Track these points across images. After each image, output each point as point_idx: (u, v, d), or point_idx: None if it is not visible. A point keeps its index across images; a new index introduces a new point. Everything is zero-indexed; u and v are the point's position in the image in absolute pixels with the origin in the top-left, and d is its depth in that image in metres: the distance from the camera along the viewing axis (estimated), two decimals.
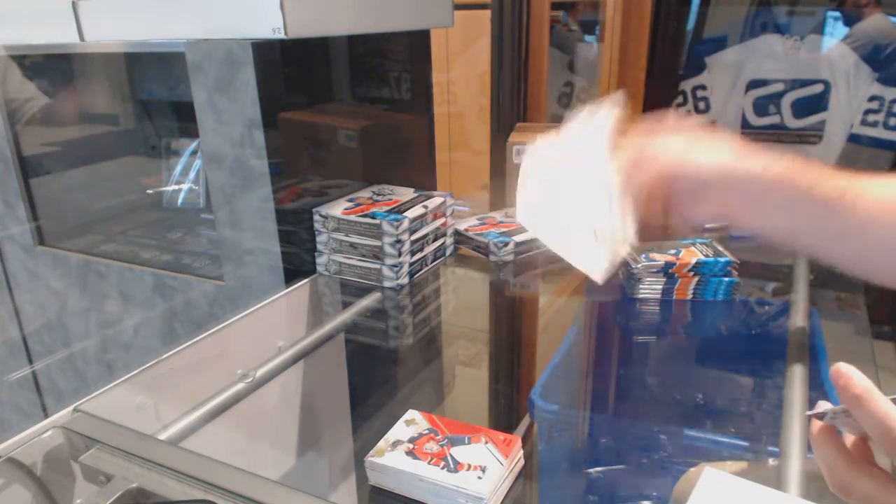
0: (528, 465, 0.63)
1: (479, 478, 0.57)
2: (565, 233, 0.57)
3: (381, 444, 0.62)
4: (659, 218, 0.55)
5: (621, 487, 0.67)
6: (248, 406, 0.78)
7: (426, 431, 0.63)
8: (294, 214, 1.02)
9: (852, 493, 0.40)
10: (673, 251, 0.97)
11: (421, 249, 1.04)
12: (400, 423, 0.65)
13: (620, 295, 1.00)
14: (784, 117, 1.85)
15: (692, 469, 0.63)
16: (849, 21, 1.78)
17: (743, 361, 0.84)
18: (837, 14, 1.79)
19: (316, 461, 0.92)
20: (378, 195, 1.08)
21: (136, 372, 0.76)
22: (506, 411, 0.79)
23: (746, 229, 0.53)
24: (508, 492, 0.59)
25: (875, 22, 1.74)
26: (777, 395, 0.73)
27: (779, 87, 1.84)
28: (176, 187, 1.44)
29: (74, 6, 1.01)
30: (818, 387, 0.73)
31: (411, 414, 0.66)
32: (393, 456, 0.60)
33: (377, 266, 1.00)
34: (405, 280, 1.01)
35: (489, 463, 0.58)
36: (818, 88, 1.80)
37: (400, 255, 0.98)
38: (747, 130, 1.90)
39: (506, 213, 1.23)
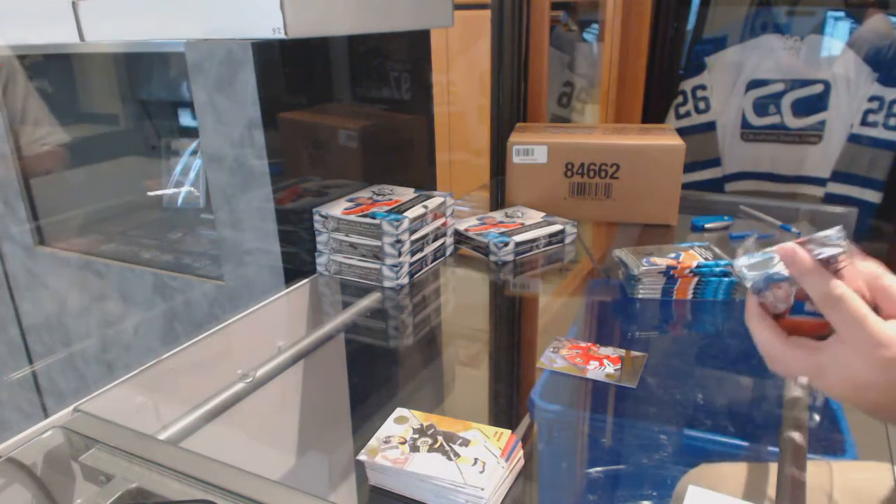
0: (528, 465, 0.63)
1: (479, 475, 0.57)
2: None
3: (373, 442, 0.62)
4: None
5: (621, 487, 0.67)
6: (248, 406, 0.78)
7: (420, 429, 0.63)
8: (294, 214, 1.02)
9: (788, 366, 0.47)
10: (673, 255, 0.97)
11: (421, 249, 1.04)
12: (389, 422, 0.65)
13: (620, 295, 1.00)
14: (784, 117, 1.85)
15: (692, 469, 0.63)
16: (848, 22, 1.78)
17: (743, 361, 0.84)
18: (838, 14, 1.79)
19: (316, 461, 0.92)
20: (378, 195, 1.08)
21: (136, 372, 0.76)
22: (506, 411, 0.79)
23: None
24: (509, 491, 0.59)
25: (875, 23, 1.74)
26: (777, 395, 0.73)
27: (779, 87, 1.83)
28: (176, 189, 1.44)
29: (74, 6, 1.01)
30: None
31: (401, 412, 0.66)
32: (389, 455, 0.60)
33: (377, 266, 1.00)
34: (405, 280, 1.01)
35: (488, 461, 0.58)
36: (818, 88, 1.80)
37: (400, 255, 0.98)
38: (747, 130, 1.90)
39: (505, 213, 1.23)
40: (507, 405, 0.81)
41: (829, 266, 0.45)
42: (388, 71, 1.24)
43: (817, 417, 0.70)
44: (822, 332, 0.47)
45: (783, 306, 0.48)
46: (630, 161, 1.24)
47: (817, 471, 0.60)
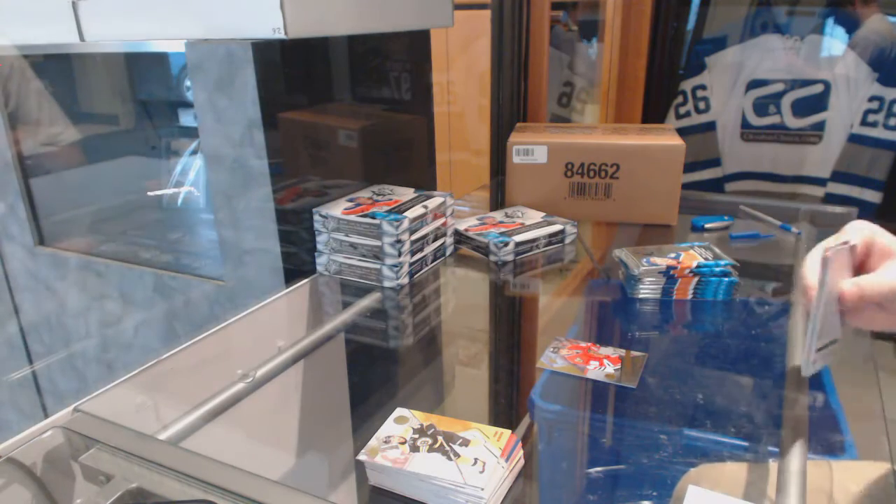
0: (528, 465, 0.63)
1: (479, 475, 0.57)
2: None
3: (373, 442, 0.62)
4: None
5: (621, 487, 0.67)
6: (248, 406, 0.78)
7: (420, 429, 0.63)
8: (294, 214, 1.02)
9: None
10: (673, 255, 0.97)
11: (421, 249, 1.04)
12: (389, 422, 0.65)
13: (620, 295, 1.00)
14: (784, 117, 1.85)
15: (692, 469, 0.63)
16: (848, 22, 1.78)
17: (743, 361, 0.84)
18: (838, 14, 1.79)
19: (316, 461, 0.92)
20: (378, 195, 1.08)
21: (136, 372, 0.76)
22: (506, 411, 0.79)
23: None
24: (509, 491, 0.59)
25: (875, 23, 1.74)
26: (777, 395, 0.73)
27: (779, 87, 1.84)
28: (176, 189, 1.44)
29: (74, 6, 1.01)
30: (818, 387, 0.73)
31: (401, 412, 0.66)
32: (389, 455, 0.60)
33: (377, 266, 1.00)
34: (405, 280, 1.01)
35: (489, 461, 0.58)
36: (818, 88, 1.80)
37: (400, 255, 0.98)
38: (747, 130, 1.90)
39: (505, 213, 1.23)
40: (507, 405, 0.81)
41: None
42: (388, 71, 1.24)
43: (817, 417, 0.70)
44: None
45: None
46: (630, 161, 1.24)
47: (817, 471, 0.60)
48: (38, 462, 0.63)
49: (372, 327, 0.96)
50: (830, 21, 1.80)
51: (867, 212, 1.76)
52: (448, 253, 1.13)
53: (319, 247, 1.04)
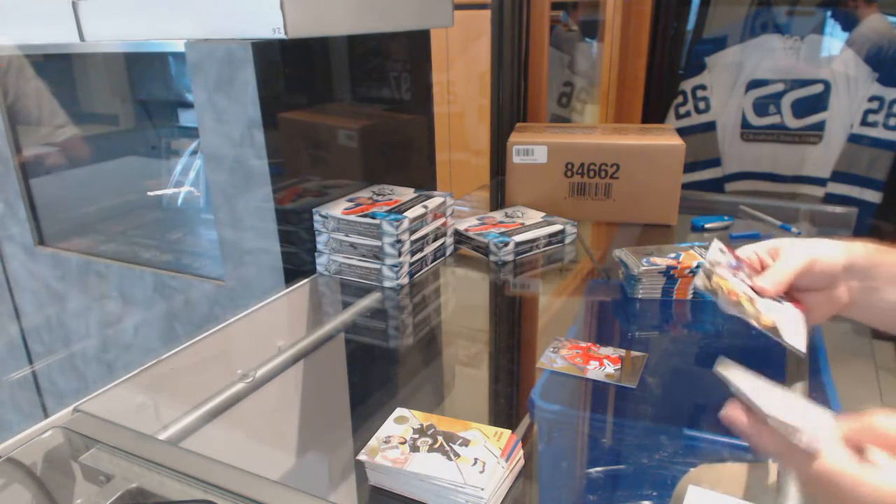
0: (528, 465, 0.63)
1: (479, 475, 0.57)
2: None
3: (373, 442, 0.62)
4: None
5: (621, 487, 0.67)
6: (248, 406, 0.78)
7: (420, 429, 0.63)
8: (294, 214, 1.02)
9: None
10: (673, 255, 0.97)
11: (421, 249, 1.04)
12: (389, 422, 0.65)
13: (620, 295, 1.00)
14: (784, 117, 1.85)
15: (692, 469, 0.63)
16: (848, 21, 1.78)
17: (743, 361, 0.84)
18: (837, 14, 1.79)
19: (316, 461, 0.92)
20: (378, 195, 1.08)
21: (136, 372, 0.76)
22: (506, 411, 0.79)
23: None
24: (509, 491, 0.59)
25: (874, 22, 1.74)
26: None
27: (779, 87, 1.84)
28: (176, 189, 1.44)
29: (74, 6, 1.01)
30: (818, 387, 0.73)
31: (401, 412, 0.66)
32: (389, 455, 0.60)
33: (377, 266, 1.00)
34: (405, 280, 1.01)
35: (488, 461, 0.58)
36: (818, 88, 1.80)
37: (400, 255, 0.98)
38: (747, 130, 1.90)
39: (505, 213, 1.23)
40: (507, 405, 0.81)
41: (735, 270, 0.50)
42: (388, 71, 1.24)
43: None
44: None
45: None
46: (630, 161, 1.24)
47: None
48: (38, 462, 0.63)
49: (372, 327, 0.96)
50: (830, 21, 1.80)
51: (867, 212, 1.76)
52: (448, 253, 1.13)
53: (319, 247, 1.04)
